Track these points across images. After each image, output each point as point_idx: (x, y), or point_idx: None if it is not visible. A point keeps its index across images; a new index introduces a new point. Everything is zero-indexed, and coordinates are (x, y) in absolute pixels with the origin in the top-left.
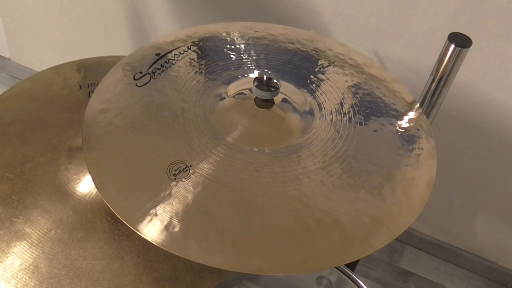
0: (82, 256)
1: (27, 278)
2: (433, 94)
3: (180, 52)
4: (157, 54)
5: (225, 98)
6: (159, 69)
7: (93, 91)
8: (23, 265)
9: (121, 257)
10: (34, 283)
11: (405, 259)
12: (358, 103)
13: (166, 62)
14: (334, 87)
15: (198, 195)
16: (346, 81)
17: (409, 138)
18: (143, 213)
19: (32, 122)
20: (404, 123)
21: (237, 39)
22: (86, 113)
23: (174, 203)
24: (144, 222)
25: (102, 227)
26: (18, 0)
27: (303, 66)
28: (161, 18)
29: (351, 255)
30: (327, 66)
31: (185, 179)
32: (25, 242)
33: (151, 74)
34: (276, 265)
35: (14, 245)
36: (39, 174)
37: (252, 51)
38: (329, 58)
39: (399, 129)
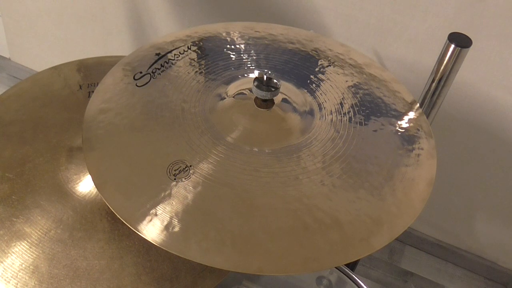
0: (82, 256)
1: (27, 278)
2: (433, 94)
3: (180, 52)
4: (157, 54)
5: (225, 98)
6: (159, 69)
7: (93, 91)
8: (23, 265)
9: (121, 257)
10: (34, 283)
11: (405, 259)
12: (358, 103)
13: (166, 62)
14: (334, 87)
15: (198, 195)
16: (346, 81)
17: (409, 138)
18: (143, 213)
19: (32, 122)
20: (404, 123)
21: (237, 39)
22: (86, 113)
23: (174, 203)
24: (144, 222)
25: (102, 227)
26: (18, 0)
27: (303, 66)
28: (161, 18)
29: (351, 255)
30: (327, 66)
31: (185, 179)
32: (25, 242)
33: (151, 74)
34: (276, 265)
35: (14, 245)
36: (39, 174)
37: (252, 51)
38: (329, 58)
39: (399, 129)
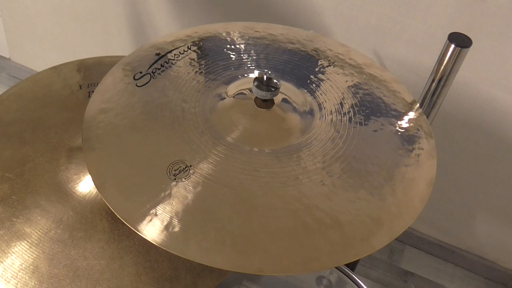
0: (82, 256)
1: (27, 278)
2: (433, 94)
3: (180, 52)
4: (157, 54)
5: (225, 98)
6: (159, 69)
7: (93, 91)
8: (23, 265)
9: (121, 257)
10: (34, 283)
11: (405, 259)
12: (358, 103)
13: (166, 62)
14: (334, 87)
15: (198, 195)
16: (346, 81)
17: (409, 138)
18: (143, 213)
19: (32, 122)
20: (404, 123)
21: (237, 39)
22: (86, 113)
23: (174, 203)
24: (144, 222)
25: (102, 227)
26: (18, 0)
27: (303, 66)
28: (161, 18)
29: (351, 255)
30: (327, 66)
31: (185, 179)
32: (25, 242)
33: (151, 74)
34: (276, 265)
35: (14, 245)
36: (39, 174)
37: (252, 51)
38: (329, 58)
39: (399, 129)
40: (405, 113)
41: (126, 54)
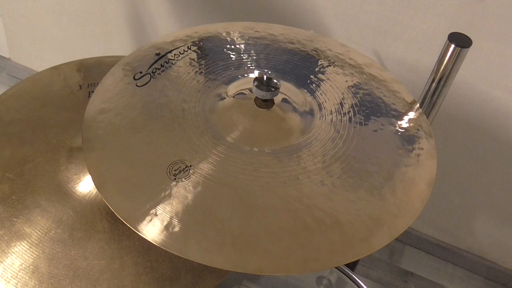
0: (82, 256)
1: (27, 278)
2: (433, 94)
3: (180, 52)
4: (157, 54)
5: (225, 98)
6: (159, 69)
7: (93, 91)
8: (23, 265)
9: (121, 257)
10: (34, 283)
11: (405, 259)
12: (358, 103)
13: (166, 62)
14: (334, 87)
15: (198, 195)
16: (346, 81)
17: (409, 138)
18: (143, 213)
19: (32, 122)
20: (404, 123)
21: (237, 39)
22: (86, 113)
23: (174, 203)
24: (144, 222)
25: (102, 227)
26: (18, 0)
27: (303, 66)
28: (161, 18)
29: (351, 255)
30: (327, 66)
31: (185, 179)
32: (25, 242)
33: (151, 74)
34: (276, 265)
35: (14, 245)
36: (39, 174)
37: (252, 51)
38: (329, 58)
39: (399, 129)
40: (405, 113)
41: (126, 54)
